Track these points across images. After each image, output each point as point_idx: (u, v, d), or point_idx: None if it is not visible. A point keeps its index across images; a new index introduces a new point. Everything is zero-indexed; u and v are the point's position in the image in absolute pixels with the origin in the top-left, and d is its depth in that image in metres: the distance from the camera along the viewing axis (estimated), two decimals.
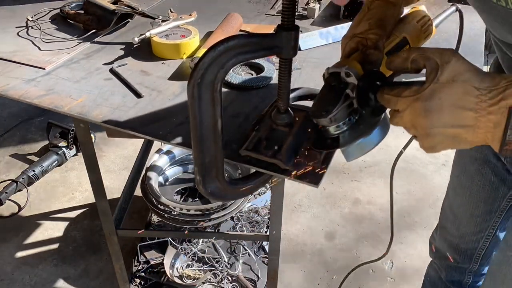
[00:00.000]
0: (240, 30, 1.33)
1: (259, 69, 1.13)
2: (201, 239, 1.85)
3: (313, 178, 0.79)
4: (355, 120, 0.71)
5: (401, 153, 0.89)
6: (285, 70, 0.74)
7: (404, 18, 0.80)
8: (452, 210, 1.18)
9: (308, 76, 1.12)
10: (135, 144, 2.49)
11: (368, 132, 0.69)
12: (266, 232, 1.83)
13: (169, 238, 1.82)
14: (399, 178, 2.27)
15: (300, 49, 1.22)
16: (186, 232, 1.48)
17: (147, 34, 1.18)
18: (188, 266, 1.76)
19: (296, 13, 1.47)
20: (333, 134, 0.72)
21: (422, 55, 0.59)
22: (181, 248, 1.80)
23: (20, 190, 2.20)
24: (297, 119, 0.83)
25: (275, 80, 1.09)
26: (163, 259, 1.74)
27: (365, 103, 0.67)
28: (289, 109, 0.82)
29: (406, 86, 0.60)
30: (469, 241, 1.16)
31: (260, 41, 0.69)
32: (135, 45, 1.23)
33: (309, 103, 0.98)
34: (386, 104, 0.63)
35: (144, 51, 1.22)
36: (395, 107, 0.61)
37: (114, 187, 2.23)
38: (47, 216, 2.11)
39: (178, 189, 1.79)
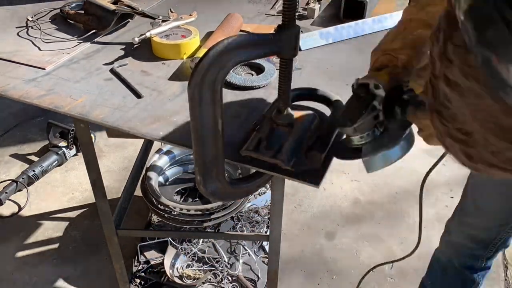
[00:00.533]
0: (241, 30, 1.33)
1: (259, 69, 1.13)
2: (201, 239, 1.85)
3: (314, 178, 0.79)
4: (379, 133, 0.71)
5: (428, 173, 0.89)
6: (286, 70, 0.74)
7: None
8: (476, 205, 1.20)
9: (308, 76, 1.12)
10: (135, 144, 2.49)
11: (392, 144, 0.69)
12: (266, 232, 1.83)
13: (169, 238, 1.82)
14: (399, 178, 2.27)
15: (300, 49, 1.22)
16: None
17: (147, 34, 1.18)
18: (188, 266, 1.76)
19: (296, 13, 1.47)
20: (356, 144, 0.72)
21: None
22: (181, 248, 1.80)
23: (20, 190, 2.20)
24: (297, 119, 0.83)
25: (275, 80, 1.09)
26: (163, 259, 1.74)
27: (391, 116, 0.66)
28: (290, 109, 0.82)
29: None
30: (491, 232, 1.20)
31: (261, 41, 0.69)
32: (135, 45, 1.23)
33: (309, 103, 0.98)
34: (424, 128, 0.62)
35: (144, 51, 1.22)
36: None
37: (114, 187, 2.22)
38: (47, 216, 2.11)
39: (178, 189, 1.79)
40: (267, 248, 1.73)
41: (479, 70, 0.33)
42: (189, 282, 1.69)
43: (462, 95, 0.37)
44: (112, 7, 1.30)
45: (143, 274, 1.73)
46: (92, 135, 1.18)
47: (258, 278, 1.73)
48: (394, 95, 0.66)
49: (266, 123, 0.85)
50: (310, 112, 0.87)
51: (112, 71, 1.12)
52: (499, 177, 0.44)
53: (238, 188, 0.85)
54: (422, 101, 0.63)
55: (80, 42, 1.25)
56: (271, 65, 1.12)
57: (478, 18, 0.32)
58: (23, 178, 2.19)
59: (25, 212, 2.12)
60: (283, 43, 0.69)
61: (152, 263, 1.77)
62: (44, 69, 1.13)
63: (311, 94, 0.97)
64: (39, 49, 1.22)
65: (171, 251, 1.76)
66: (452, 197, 2.16)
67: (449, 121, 0.40)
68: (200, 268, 1.75)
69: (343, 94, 1.02)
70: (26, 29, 1.32)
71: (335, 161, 0.82)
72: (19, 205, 2.15)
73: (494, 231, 1.19)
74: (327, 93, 0.97)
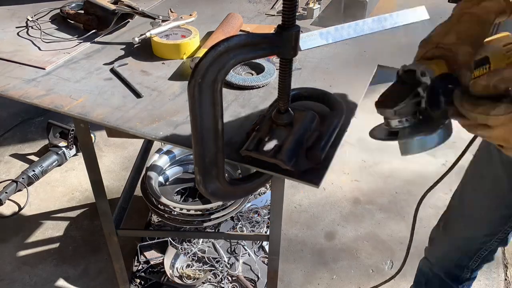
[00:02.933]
0: (241, 30, 1.33)
1: (259, 69, 1.13)
2: (201, 239, 1.85)
3: (314, 178, 0.79)
4: (418, 120, 0.71)
5: (431, 188, 0.89)
6: (285, 70, 0.74)
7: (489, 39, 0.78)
8: (464, 213, 1.17)
9: (308, 76, 1.12)
10: (135, 144, 2.49)
11: (431, 131, 0.69)
12: (266, 232, 1.83)
13: (169, 238, 1.82)
14: (399, 178, 2.27)
15: (300, 49, 1.22)
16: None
17: (147, 34, 1.18)
18: (188, 266, 1.76)
19: (296, 13, 1.47)
20: (393, 128, 0.72)
21: (503, 79, 0.58)
22: (181, 248, 1.80)
23: (20, 190, 2.20)
24: (297, 119, 0.83)
25: (275, 80, 1.09)
26: (163, 259, 1.74)
27: (435, 104, 0.66)
28: (290, 109, 0.82)
29: (490, 102, 0.59)
30: (477, 242, 1.17)
31: (261, 41, 0.69)
32: (135, 45, 1.23)
33: (309, 103, 0.98)
34: (473, 120, 0.62)
35: (144, 51, 1.22)
36: (485, 122, 0.61)
37: (114, 187, 2.23)
38: (47, 216, 2.11)
39: (178, 189, 1.79)
40: (267, 248, 1.73)
41: None
42: (189, 282, 1.69)
43: None
44: (112, 7, 1.30)
45: (143, 274, 1.73)
46: (92, 135, 1.18)
47: (258, 278, 1.73)
48: (441, 84, 0.66)
49: (265, 123, 0.85)
50: (310, 111, 0.87)
51: (112, 70, 1.12)
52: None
53: (238, 188, 0.85)
54: (468, 89, 0.63)
55: (80, 42, 1.25)
56: (271, 65, 1.12)
57: None
58: (23, 178, 2.19)
59: (25, 212, 2.12)
60: (283, 44, 0.69)
61: (152, 263, 1.77)
62: (44, 69, 1.13)
63: (310, 94, 0.97)
64: (39, 49, 1.22)
65: (171, 251, 1.76)
66: None
67: None
68: (200, 268, 1.75)
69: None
70: (26, 29, 1.32)
71: (335, 161, 0.82)
72: (19, 205, 2.15)
73: (479, 241, 1.16)
74: (326, 93, 0.97)
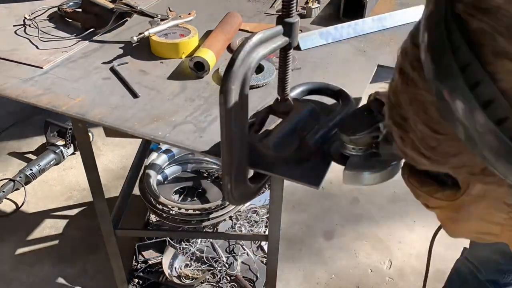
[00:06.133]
0: (240, 29, 1.32)
1: (258, 68, 1.12)
2: (200, 239, 1.84)
3: (314, 179, 0.78)
4: (371, 153, 0.72)
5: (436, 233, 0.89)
6: (287, 59, 0.75)
7: None
8: None
9: (308, 76, 1.11)
10: (133, 143, 2.48)
11: (378, 168, 0.71)
12: (264, 231, 1.82)
13: (168, 238, 1.82)
14: (398, 178, 2.26)
15: (300, 49, 1.22)
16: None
17: (146, 33, 1.17)
18: (186, 266, 1.75)
19: (296, 13, 1.46)
20: (346, 152, 0.74)
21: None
22: (179, 248, 1.80)
23: (17, 189, 2.19)
24: (296, 109, 0.82)
25: (275, 79, 1.08)
26: (161, 259, 1.73)
27: (388, 143, 0.67)
28: (289, 99, 0.81)
29: (437, 185, 0.57)
30: None
31: (272, 35, 0.69)
32: (133, 44, 1.22)
33: (318, 98, 0.97)
34: (415, 195, 0.62)
35: (143, 50, 1.21)
36: (425, 202, 0.61)
37: (112, 186, 2.22)
38: (44, 215, 2.10)
39: (177, 188, 1.78)
40: (265, 247, 1.73)
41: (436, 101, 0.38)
42: (187, 282, 1.69)
43: (405, 83, 0.43)
44: (111, 5, 1.29)
45: (141, 273, 1.73)
46: (90, 134, 1.17)
47: (257, 277, 1.73)
48: None
49: (264, 110, 0.85)
50: (310, 104, 0.86)
51: (112, 69, 1.11)
52: (425, 168, 0.49)
53: (256, 186, 0.84)
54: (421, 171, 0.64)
55: (78, 41, 1.24)
56: (271, 65, 1.12)
57: (435, 51, 0.36)
58: (20, 177, 2.18)
59: (22, 211, 2.11)
60: (291, 34, 0.70)
61: (150, 262, 1.76)
62: (42, 68, 1.12)
63: (321, 88, 0.97)
64: (37, 47, 1.21)
65: (169, 251, 1.76)
66: None
67: (394, 107, 0.48)
68: (198, 268, 1.75)
69: None
70: (23, 28, 1.31)
71: None
72: (16, 204, 2.14)
73: None
74: (337, 88, 0.96)
